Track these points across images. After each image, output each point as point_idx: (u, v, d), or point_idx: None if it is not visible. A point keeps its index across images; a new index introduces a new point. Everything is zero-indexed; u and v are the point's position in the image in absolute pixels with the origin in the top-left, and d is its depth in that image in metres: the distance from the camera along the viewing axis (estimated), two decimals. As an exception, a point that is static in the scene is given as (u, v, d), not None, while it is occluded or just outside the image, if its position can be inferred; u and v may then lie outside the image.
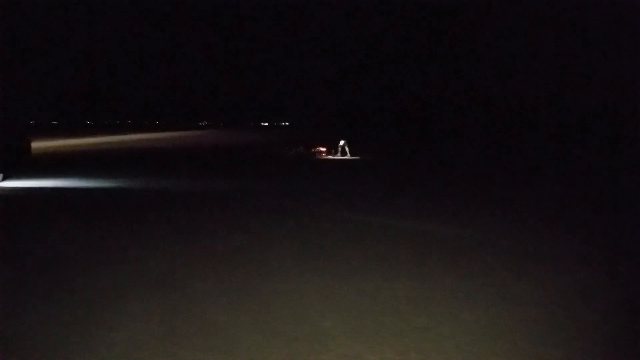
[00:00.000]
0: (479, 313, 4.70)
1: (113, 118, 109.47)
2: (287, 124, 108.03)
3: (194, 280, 5.62)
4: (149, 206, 10.58)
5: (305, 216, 9.19)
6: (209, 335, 4.23)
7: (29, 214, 9.74)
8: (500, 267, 6.16)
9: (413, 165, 20.58)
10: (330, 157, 22.80)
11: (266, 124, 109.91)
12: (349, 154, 22.49)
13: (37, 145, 23.50)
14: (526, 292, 5.32)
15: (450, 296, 5.15)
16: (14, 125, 14.19)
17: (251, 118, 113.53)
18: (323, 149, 24.04)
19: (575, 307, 4.91)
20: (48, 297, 5.11)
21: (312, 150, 24.60)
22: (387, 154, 25.96)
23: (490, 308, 4.83)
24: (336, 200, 11.28)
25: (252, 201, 10.97)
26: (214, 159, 23.19)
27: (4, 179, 13.71)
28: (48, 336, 4.20)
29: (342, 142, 22.92)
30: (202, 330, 4.33)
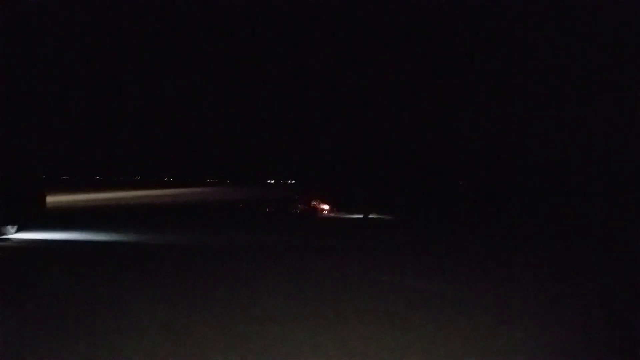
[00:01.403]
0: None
1: (121, 174, 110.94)
2: (293, 182, 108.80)
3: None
4: (167, 260, 11.07)
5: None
6: None
7: (48, 266, 10.23)
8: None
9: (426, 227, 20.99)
10: (332, 214, 23.05)
11: (272, 181, 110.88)
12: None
13: (49, 199, 24.17)
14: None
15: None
16: (29, 178, 14.87)
17: (257, 176, 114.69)
18: (326, 207, 24.13)
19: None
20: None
21: (315, 207, 24.31)
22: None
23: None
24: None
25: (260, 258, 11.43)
26: (223, 214, 23.76)
27: (18, 231, 14.28)
28: None
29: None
30: None
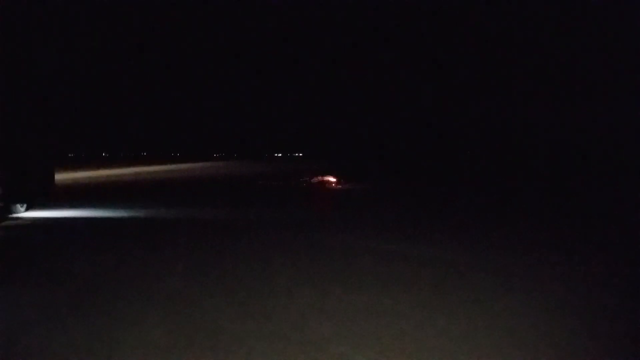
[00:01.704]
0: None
1: (128, 150, 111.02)
2: (300, 154, 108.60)
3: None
4: (188, 235, 10.90)
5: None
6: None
7: (62, 243, 10.08)
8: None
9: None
10: (339, 186, 23.67)
11: (280, 154, 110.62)
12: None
13: (56, 177, 24.05)
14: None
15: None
16: (38, 156, 14.65)
17: (265, 149, 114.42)
18: (333, 180, 25.18)
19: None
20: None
21: (324, 180, 25.54)
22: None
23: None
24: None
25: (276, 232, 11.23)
26: (235, 189, 23.56)
27: (27, 209, 14.13)
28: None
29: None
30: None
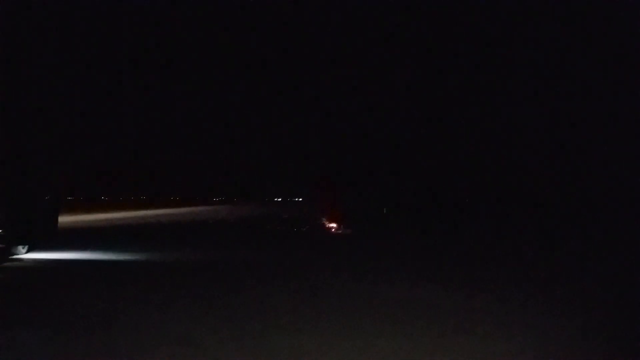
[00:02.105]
0: None
1: (127, 194, 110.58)
2: (300, 199, 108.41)
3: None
4: (183, 277, 10.58)
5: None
6: None
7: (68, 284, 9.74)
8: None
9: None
10: (340, 232, 23.38)
11: (279, 199, 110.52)
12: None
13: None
14: None
15: None
16: (42, 197, 14.42)
17: (264, 193, 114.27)
18: (333, 225, 24.79)
19: None
20: None
21: (325, 225, 25.35)
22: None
23: None
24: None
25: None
26: (239, 232, 23.30)
27: (29, 251, 13.77)
28: None
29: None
30: None
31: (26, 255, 13.33)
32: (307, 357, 5.38)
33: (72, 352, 5.52)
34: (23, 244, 13.34)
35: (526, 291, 8.99)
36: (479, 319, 6.96)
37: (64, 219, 29.01)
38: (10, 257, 12.92)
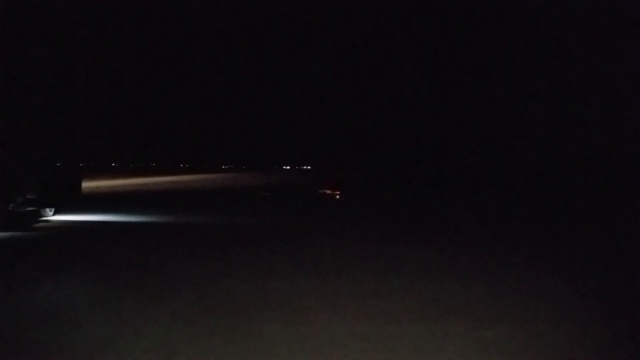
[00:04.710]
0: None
1: (136, 161, 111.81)
2: (309, 167, 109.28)
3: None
4: (200, 235, 11.79)
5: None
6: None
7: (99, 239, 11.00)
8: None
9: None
10: (343, 198, 25.14)
11: (288, 167, 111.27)
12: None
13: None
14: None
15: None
16: (66, 164, 15.58)
17: (273, 161, 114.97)
18: (337, 192, 27.07)
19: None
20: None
21: (328, 192, 27.55)
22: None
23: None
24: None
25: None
26: (252, 199, 24.47)
27: (55, 214, 15.06)
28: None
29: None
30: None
31: (53, 217, 14.66)
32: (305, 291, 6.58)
33: (110, 288, 6.77)
34: (50, 207, 14.67)
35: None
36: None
37: (85, 184, 30.42)
38: (39, 218, 14.28)
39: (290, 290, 6.87)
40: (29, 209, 13.67)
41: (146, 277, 7.61)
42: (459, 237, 12.02)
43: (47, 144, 14.32)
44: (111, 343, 4.90)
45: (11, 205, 12.87)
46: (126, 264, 8.58)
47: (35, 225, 13.21)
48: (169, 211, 16.97)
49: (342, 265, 8.49)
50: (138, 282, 7.28)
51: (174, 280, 7.36)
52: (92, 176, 43.94)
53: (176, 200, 22.73)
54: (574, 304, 6.44)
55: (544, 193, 28.53)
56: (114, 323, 5.47)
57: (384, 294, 6.69)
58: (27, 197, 13.20)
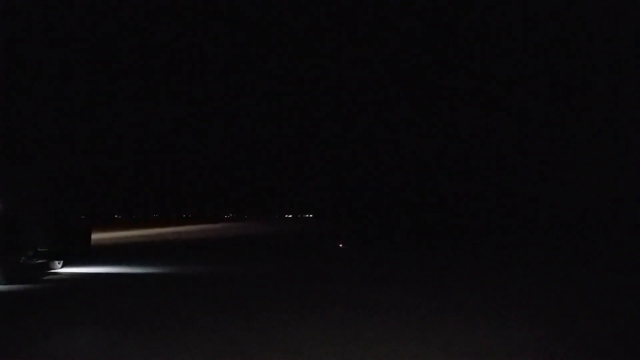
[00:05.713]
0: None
1: (139, 212, 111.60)
2: (310, 216, 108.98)
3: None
4: (220, 285, 11.74)
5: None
6: None
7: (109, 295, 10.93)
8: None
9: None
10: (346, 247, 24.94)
11: (290, 216, 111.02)
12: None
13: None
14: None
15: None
16: (75, 216, 15.64)
17: (274, 210, 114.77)
18: (340, 243, 27.04)
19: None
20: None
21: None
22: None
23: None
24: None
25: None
26: (264, 248, 24.40)
27: (63, 266, 14.98)
28: None
29: None
30: None
31: (62, 269, 14.60)
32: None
33: (123, 348, 6.69)
34: (60, 259, 14.63)
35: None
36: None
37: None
38: (48, 270, 14.23)
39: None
40: (40, 261, 13.63)
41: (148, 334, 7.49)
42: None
43: (56, 195, 14.35)
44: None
45: (23, 258, 12.84)
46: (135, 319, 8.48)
47: (44, 277, 13.14)
48: (182, 262, 16.93)
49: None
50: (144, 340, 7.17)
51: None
52: (97, 227, 43.95)
53: (183, 251, 22.66)
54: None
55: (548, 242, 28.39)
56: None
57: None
58: (39, 249, 13.17)
